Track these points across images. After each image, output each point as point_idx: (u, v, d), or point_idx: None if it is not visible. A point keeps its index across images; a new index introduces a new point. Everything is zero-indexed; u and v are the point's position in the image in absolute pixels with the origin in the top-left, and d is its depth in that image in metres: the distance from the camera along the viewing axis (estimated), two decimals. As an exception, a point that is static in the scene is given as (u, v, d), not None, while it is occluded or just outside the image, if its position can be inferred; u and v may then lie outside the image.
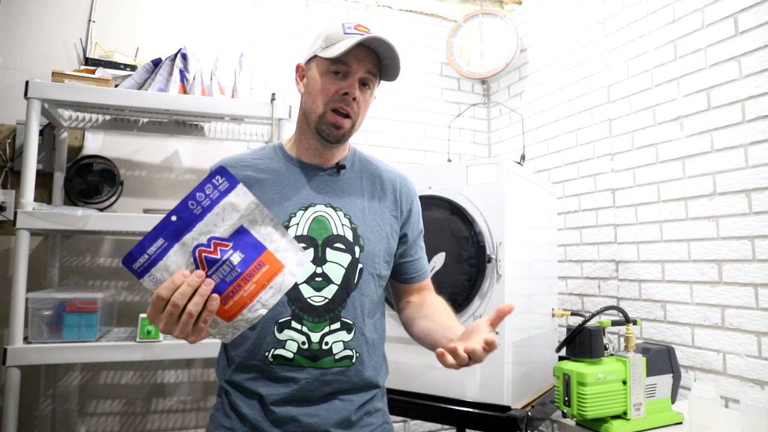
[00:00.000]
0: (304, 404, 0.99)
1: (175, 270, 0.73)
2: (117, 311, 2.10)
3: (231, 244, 0.75)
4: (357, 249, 1.04)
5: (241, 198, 0.76)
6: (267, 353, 0.98)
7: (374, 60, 1.03)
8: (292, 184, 1.06)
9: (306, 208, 1.04)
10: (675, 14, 1.90)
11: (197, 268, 0.74)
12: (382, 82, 1.09)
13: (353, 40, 0.98)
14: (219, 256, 0.74)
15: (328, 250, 1.02)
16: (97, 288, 2.11)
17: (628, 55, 2.10)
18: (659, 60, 1.96)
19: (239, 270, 0.75)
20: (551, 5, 2.58)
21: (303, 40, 2.62)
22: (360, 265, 1.04)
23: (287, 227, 1.01)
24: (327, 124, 1.03)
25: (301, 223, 1.02)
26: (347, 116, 1.03)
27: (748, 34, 1.65)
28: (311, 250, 1.01)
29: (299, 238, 1.01)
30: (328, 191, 1.07)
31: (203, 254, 0.74)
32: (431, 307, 1.12)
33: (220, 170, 0.76)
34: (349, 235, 1.04)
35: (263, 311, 0.77)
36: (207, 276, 0.74)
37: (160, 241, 0.73)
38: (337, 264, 1.02)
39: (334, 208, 1.05)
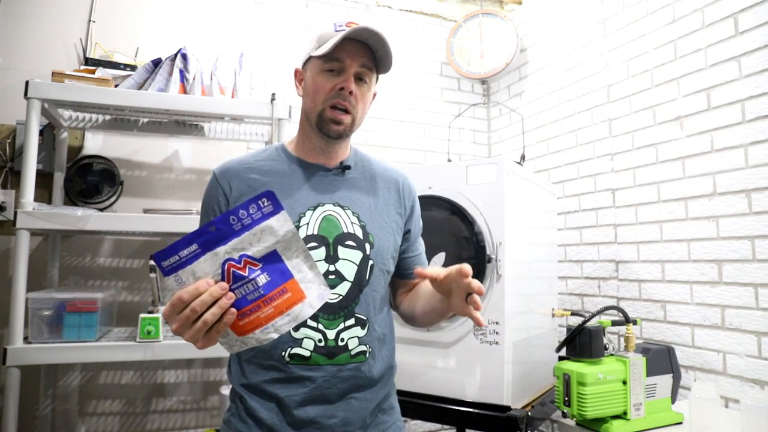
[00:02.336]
0: (323, 404, 0.99)
1: (201, 276, 0.75)
2: (117, 311, 2.10)
3: (260, 265, 0.77)
4: (368, 246, 1.05)
5: (281, 224, 0.78)
6: (283, 353, 0.98)
7: (367, 54, 1.04)
8: (298, 184, 1.07)
9: (315, 208, 1.05)
10: (675, 14, 1.90)
11: (223, 279, 0.76)
12: (380, 77, 1.10)
13: (341, 35, 0.99)
14: (246, 274, 0.76)
15: (339, 247, 1.03)
16: (97, 288, 2.11)
17: (628, 55, 2.10)
18: (659, 60, 1.96)
19: (262, 291, 0.77)
20: (551, 5, 2.58)
21: (303, 40, 2.63)
22: (371, 262, 1.05)
23: (298, 227, 1.02)
24: (327, 120, 1.04)
25: (311, 222, 1.03)
26: (346, 111, 1.04)
27: (748, 34, 1.65)
28: (323, 249, 1.01)
29: (310, 238, 1.02)
30: (335, 190, 1.08)
31: (232, 269, 0.76)
32: (423, 285, 1.14)
33: (269, 194, 0.78)
34: (359, 233, 1.05)
35: (275, 335, 0.79)
36: (230, 290, 0.75)
37: (194, 247, 0.75)
38: (349, 261, 1.03)
39: (343, 207, 1.07)
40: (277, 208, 0.78)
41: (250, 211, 0.77)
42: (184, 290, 0.74)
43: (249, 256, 0.77)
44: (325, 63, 1.03)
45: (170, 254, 0.75)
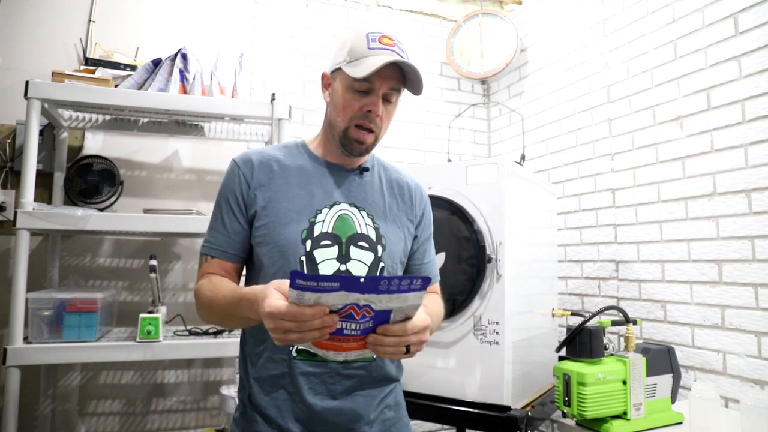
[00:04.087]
0: (329, 400, 1.00)
1: (321, 302, 0.77)
2: (117, 311, 2.10)
3: (373, 315, 0.81)
4: (380, 248, 1.06)
5: (415, 298, 0.81)
6: (291, 348, 0.99)
7: (397, 75, 1.03)
8: (317, 182, 1.08)
9: (331, 206, 1.06)
10: (675, 14, 1.90)
11: (338, 312, 0.78)
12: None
13: (378, 60, 0.97)
14: (358, 318, 0.80)
15: (352, 248, 1.04)
16: (97, 288, 2.11)
17: (628, 55, 2.10)
18: (659, 60, 1.96)
19: (359, 333, 0.82)
20: (551, 5, 2.58)
21: (303, 40, 2.63)
22: (382, 264, 1.06)
23: (314, 223, 1.03)
24: (350, 139, 1.05)
25: (326, 220, 1.04)
26: (370, 131, 1.05)
27: (748, 34, 1.65)
28: (336, 247, 1.02)
29: (324, 236, 1.03)
30: (352, 191, 1.09)
31: (350, 310, 0.79)
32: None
33: (426, 280, 0.79)
34: (372, 235, 1.06)
35: (340, 359, 0.86)
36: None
37: (336, 284, 0.75)
38: (360, 262, 1.04)
39: (358, 208, 1.08)
40: (422, 288, 0.80)
41: (401, 283, 0.78)
42: (306, 311, 0.75)
43: (371, 308, 0.80)
44: (355, 82, 1.01)
45: (311, 279, 0.75)
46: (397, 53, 1.00)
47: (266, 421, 1.00)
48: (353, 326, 0.80)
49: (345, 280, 0.75)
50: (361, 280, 0.76)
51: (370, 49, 1.00)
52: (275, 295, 0.79)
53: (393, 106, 1.08)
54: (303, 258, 1.01)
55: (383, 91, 1.03)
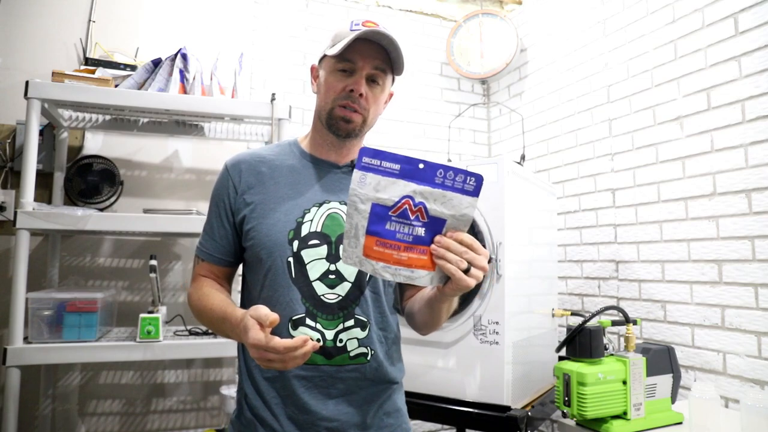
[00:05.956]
0: (322, 404, 0.98)
1: (380, 189, 0.79)
2: (117, 311, 2.10)
3: (426, 221, 0.81)
4: None
5: (465, 206, 0.82)
6: None
7: (381, 55, 1.02)
8: (306, 180, 1.06)
9: (320, 205, 1.04)
10: (675, 14, 1.90)
11: (393, 207, 0.80)
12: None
13: (353, 35, 0.98)
14: (411, 218, 0.80)
15: (341, 247, 1.01)
16: (97, 288, 2.11)
17: (628, 55, 2.10)
18: (659, 60, 1.96)
19: (410, 240, 0.81)
20: (551, 5, 2.58)
21: (303, 40, 2.63)
22: None
23: (301, 223, 1.02)
24: (336, 118, 1.03)
25: (315, 219, 1.02)
26: (355, 111, 1.03)
27: (748, 34, 1.65)
28: (325, 247, 1.01)
29: (312, 235, 1.01)
30: (342, 189, 1.07)
31: (405, 206, 0.80)
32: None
33: (479, 177, 0.80)
34: None
35: (388, 278, 0.82)
36: (390, 220, 0.80)
37: (396, 167, 0.78)
38: None
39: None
40: (474, 193, 0.81)
41: (456, 178, 0.80)
42: (288, 344, 0.80)
43: (425, 208, 0.80)
44: (337, 62, 1.01)
45: (376, 156, 0.77)
46: (380, 32, 0.99)
47: (261, 423, 0.99)
48: (406, 229, 0.80)
49: (405, 160, 0.78)
50: (420, 165, 0.78)
51: (351, 30, 1.00)
52: (256, 327, 0.82)
53: (380, 90, 1.05)
54: (290, 259, 0.99)
55: (367, 71, 1.02)
